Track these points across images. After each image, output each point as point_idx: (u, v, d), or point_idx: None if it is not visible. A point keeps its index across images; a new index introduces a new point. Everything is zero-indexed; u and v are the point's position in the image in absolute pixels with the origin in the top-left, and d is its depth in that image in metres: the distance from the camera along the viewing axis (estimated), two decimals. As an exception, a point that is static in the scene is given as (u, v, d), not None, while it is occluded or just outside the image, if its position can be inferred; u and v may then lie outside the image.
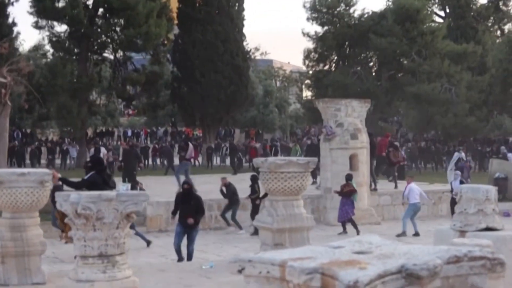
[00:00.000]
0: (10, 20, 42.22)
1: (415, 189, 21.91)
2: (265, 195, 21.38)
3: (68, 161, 43.04)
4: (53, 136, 57.81)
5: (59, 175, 12.86)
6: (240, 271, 4.08)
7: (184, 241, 16.24)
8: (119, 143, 53.56)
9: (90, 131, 56.79)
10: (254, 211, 21.60)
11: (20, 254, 11.71)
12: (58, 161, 43.09)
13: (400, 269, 3.49)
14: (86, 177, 13.07)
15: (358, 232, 21.00)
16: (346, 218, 21.80)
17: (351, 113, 24.62)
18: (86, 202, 7.71)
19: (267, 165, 13.42)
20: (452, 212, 22.46)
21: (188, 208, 15.98)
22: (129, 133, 62.65)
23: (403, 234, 21.10)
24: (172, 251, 16.66)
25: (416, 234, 21.29)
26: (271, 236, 13.54)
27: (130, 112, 71.07)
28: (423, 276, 3.46)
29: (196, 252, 18.03)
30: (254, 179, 22.55)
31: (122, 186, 11.24)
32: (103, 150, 34.69)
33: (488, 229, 10.68)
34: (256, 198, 22.28)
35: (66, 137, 52.73)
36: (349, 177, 22.20)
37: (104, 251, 7.89)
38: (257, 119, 61.67)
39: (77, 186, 12.42)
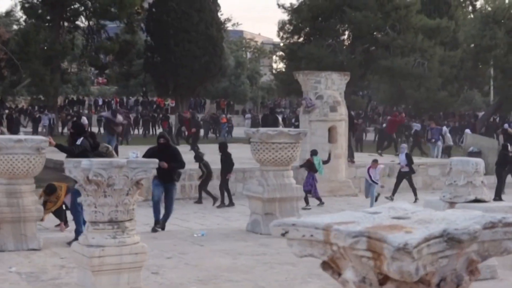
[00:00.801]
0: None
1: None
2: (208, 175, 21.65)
3: (40, 129, 42.76)
4: (24, 104, 57.23)
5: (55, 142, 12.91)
6: (283, 234, 4.19)
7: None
8: (90, 111, 53.23)
9: (60, 100, 56.28)
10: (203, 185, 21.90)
11: (16, 220, 11.80)
12: (28, 129, 42.76)
13: (442, 233, 3.62)
14: (78, 142, 13.11)
15: (305, 206, 21.00)
16: (307, 189, 21.53)
17: (331, 86, 24.77)
18: (98, 168, 7.83)
19: (259, 136, 13.59)
20: (397, 184, 23.00)
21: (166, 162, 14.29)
22: (100, 102, 62.24)
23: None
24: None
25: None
26: (261, 206, 13.75)
27: (101, 81, 70.63)
28: (464, 240, 3.59)
29: (179, 221, 18.15)
30: (199, 160, 22.20)
31: (131, 154, 11.31)
32: (83, 120, 34.39)
33: (476, 200, 11.00)
34: (206, 178, 21.90)
35: (36, 104, 52.22)
36: (313, 153, 22.23)
37: (114, 217, 8.04)
38: (229, 90, 61.72)
39: (73, 153, 12.46)
